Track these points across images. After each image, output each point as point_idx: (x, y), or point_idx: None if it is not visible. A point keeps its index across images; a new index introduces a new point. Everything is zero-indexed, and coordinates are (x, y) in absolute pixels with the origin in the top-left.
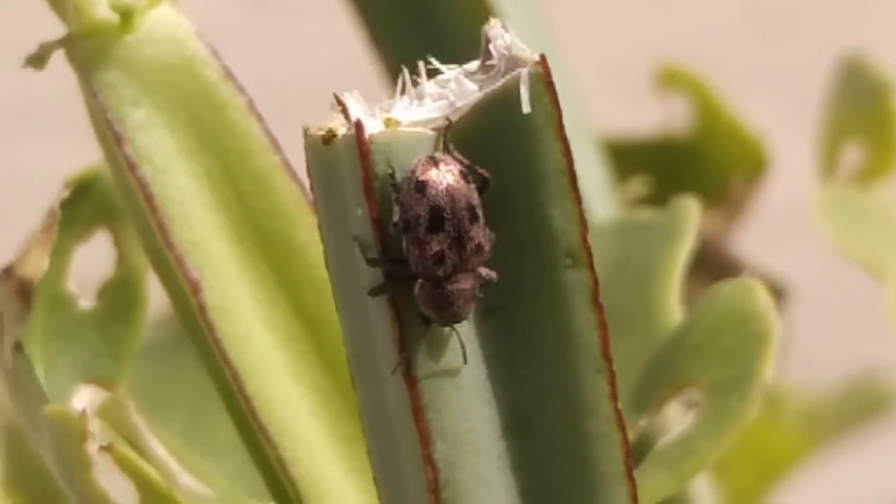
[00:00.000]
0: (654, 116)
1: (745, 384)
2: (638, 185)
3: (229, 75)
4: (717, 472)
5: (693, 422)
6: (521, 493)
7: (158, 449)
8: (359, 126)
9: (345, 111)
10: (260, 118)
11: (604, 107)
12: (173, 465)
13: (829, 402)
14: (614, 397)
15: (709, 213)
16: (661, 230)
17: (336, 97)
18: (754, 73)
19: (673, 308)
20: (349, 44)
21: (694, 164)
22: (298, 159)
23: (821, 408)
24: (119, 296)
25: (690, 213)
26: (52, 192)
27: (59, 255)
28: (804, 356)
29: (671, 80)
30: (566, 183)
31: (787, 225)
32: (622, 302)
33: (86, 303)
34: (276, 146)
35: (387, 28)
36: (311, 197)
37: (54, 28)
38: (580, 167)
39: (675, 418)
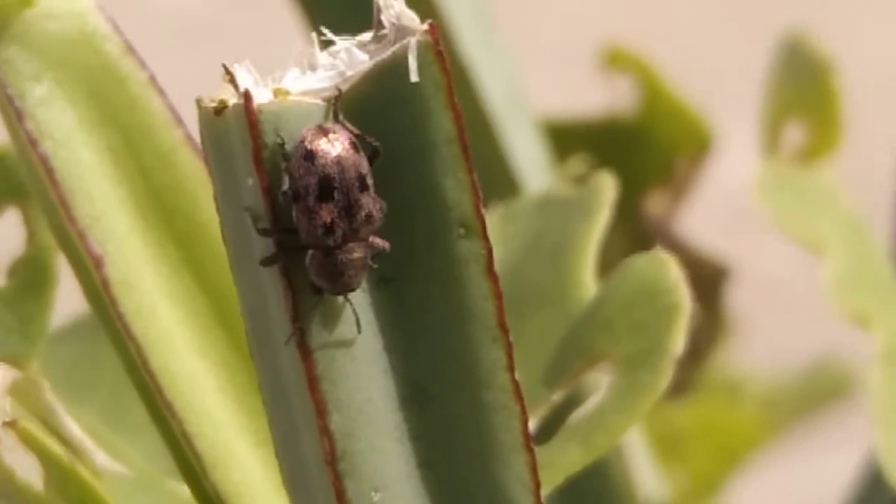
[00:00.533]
0: (599, 98)
1: (656, 357)
2: (577, 164)
3: (130, 50)
4: (675, 457)
5: (604, 395)
6: (420, 465)
7: (73, 427)
8: (247, 96)
9: (233, 81)
10: (162, 93)
11: (549, 89)
12: (88, 443)
13: (787, 387)
14: (511, 368)
15: (654, 193)
16: (578, 206)
17: (225, 67)
18: (700, 54)
19: (587, 283)
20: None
21: (639, 144)
22: None
23: (780, 393)
24: (29, 274)
25: (606, 189)
26: None
27: None
28: (762, 342)
29: (616, 61)
30: (457, 151)
31: (741, 209)
32: (538, 277)
33: None
34: (179, 121)
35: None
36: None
37: None
38: (517, 147)
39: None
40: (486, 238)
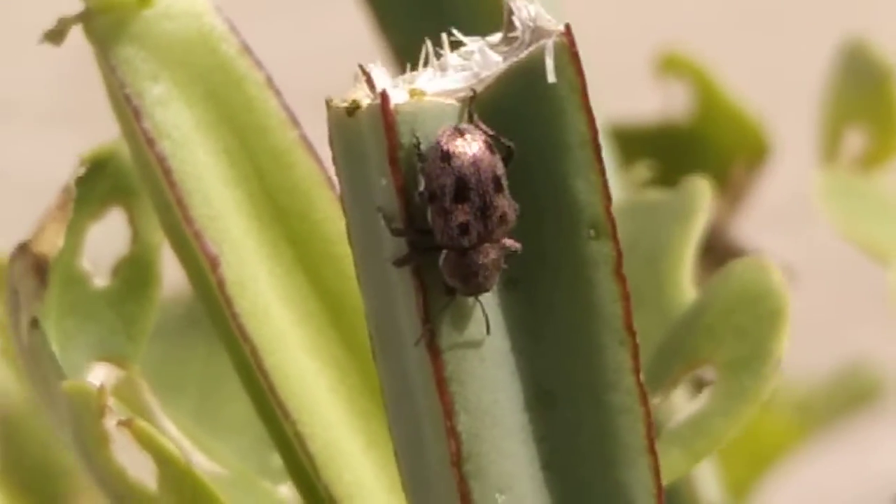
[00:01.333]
0: (654, 103)
1: (759, 362)
2: (643, 170)
3: (247, 50)
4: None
5: (707, 400)
6: (543, 466)
7: (171, 428)
8: (384, 96)
9: (370, 81)
10: (278, 93)
11: (604, 93)
12: (186, 443)
13: (819, 392)
14: (637, 370)
15: (711, 199)
16: (672, 210)
17: (361, 68)
18: (755, 60)
19: (685, 287)
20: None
21: (695, 150)
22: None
23: (811, 398)
24: (133, 274)
25: (702, 193)
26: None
27: (74, 233)
28: (795, 346)
29: (672, 66)
30: (590, 154)
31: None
32: (634, 281)
33: (100, 281)
34: (295, 121)
35: (395, 11)
36: (329, 172)
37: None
38: None
39: (686, 398)
40: (616, 240)
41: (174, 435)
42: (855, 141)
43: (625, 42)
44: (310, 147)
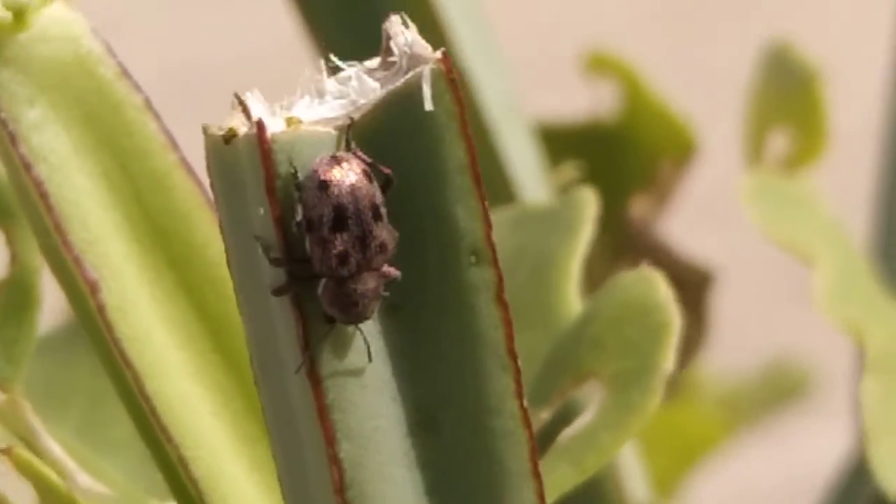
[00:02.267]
0: (581, 102)
1: (647, 376)
2: (570, 170)
3: (125, 73)
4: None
5: (595, 414)
6: (427, 492)
7: (56, 449)
8: (260, 125)
9: (245, 110)
10: (157, 117)
11: (531, 92)
12: (71, 464)
13: (745, 387)
14: (520, 395)
15: (636, 197)
16: (558, 221)
17: (237, 96)
18: (678, 61)
19: (572, 299)
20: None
21: (622, 148)
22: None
23: (737, 393)
24: (13, 296)
25: (588, 203)
26: None
27: None
28: (721, 342)
29: (599, 65)
30: (469, 181)
31: (702, 209)
32: (520, 294)
33: None
34: (174, 144)
35: (323, 21)
36: (209, 195)
37: None
38: (513, 152)
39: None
40: (496, 266)
41: (59, 456)
42: (779, 142)
43: (551, 41)
44: (190, 170)
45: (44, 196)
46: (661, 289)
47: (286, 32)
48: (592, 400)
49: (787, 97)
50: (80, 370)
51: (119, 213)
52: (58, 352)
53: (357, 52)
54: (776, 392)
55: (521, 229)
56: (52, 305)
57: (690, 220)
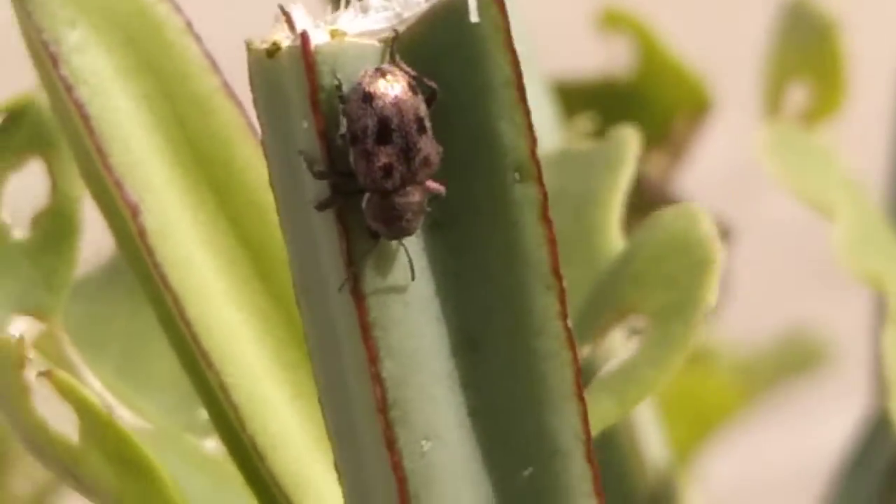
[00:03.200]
0: (596, 59)
1: (688, 311)
2: (585, 122)
3: None
4: None
5: (637, 349)
6: (470, 413)
7: (94, 382)
8: (304, 37)
9: (290, 22)
10: (198, 39)
11: (547, 49)
12: (109, 398)
13: (761, 357)
14: (564, 315)
15: (651, 154)
16: (600, 160)
17: (281, 8)
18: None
19: (614, 236)
20: None
21: (636, 105)
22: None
23: (754, 363)
24: (53, 225)
25: (629, 142)
26: None
27: None
28: (739, 310)
29: (613, 22)
30: (514, 95)
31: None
32: (563, 231)
33: (19, 233)
34: (216, 67)
35: None
36: (251, 120)
37: None
38: (531, 104)
39: (618, 346)
40: (541, 183)
41: (97, 389)
42: (797, 96)
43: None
44: (231, 94)
45: (85, 118)
46: (702, 224)
47: None
48: (635, 334)
49: (805, 49)
50: (118, 310)
51: (160, 135)
52: (96, 292)
53: None
54: (792, 363)
55: (563, 170)
56: (90, 246)
57: (710, 186)
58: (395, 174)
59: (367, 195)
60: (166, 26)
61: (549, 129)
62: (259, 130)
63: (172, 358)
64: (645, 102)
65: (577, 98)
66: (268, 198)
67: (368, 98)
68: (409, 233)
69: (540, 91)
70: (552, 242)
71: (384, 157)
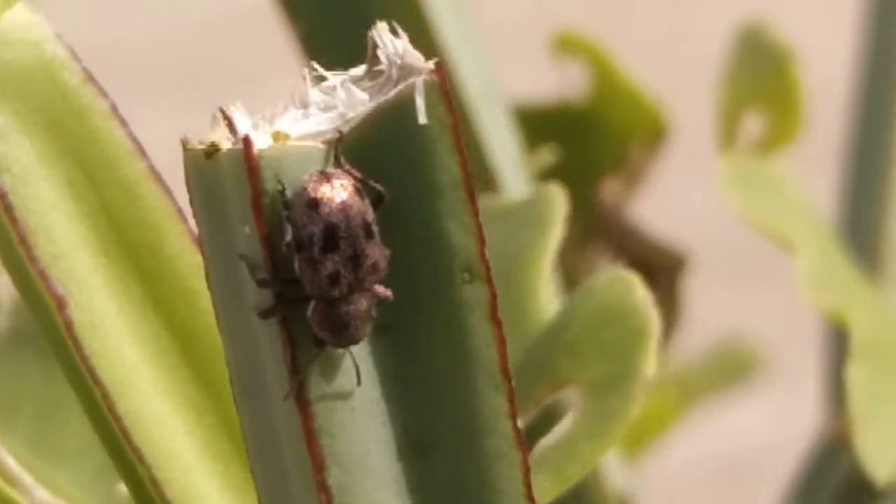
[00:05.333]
0: (548, 83)
1: (627, 382)
2: (546, 155)
3: (90, 78)
4: None
5: (574, 422)
6: None
7: (11, 463)
8: (247, 141)
9: (230, 125)
10: (124, 123)
11: (500, 74)
12: (28, 479)
13: (696, 367)
14: (513, 415)
15: (607, 180)
16: (526, 219)
17: (221, 110)
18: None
19: (545, 301)
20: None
21: (592, 130)
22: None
23: (688, 374)
24: None
25: (557, 201)
26: None
27: None
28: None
29: (568, 46)
30: (463, 195)
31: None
32: None
33: None
34: (143, 152)
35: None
36: (179, 205)
37: None
38: (493, 140)
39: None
40: (490, 283)
41: (15, 470)
42: (752, 125)
43: (521, 22)
44: (159, 179)
45: (8, 208)
46: (638, 291)
47: (206, 9)
48: (570, 407)
49: (760, 79)
50: (27, 378)
51: (85, 224)
52: (3, 359)
53: (343, 53)
54: (726, 372)
55: (488, 228)
56: None
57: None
58: (343, 282)
59: (312, 303)
60: (90, 110)
61: (513, 163)
62: (190, 218)
63: (84, 431)
64: (600, 127)
65: (531, 122)
66: (197, 285)
67: (314, 204)
68: (356, 341)
69: (503, 124)
70: (502, 342)
71: (331, 264)
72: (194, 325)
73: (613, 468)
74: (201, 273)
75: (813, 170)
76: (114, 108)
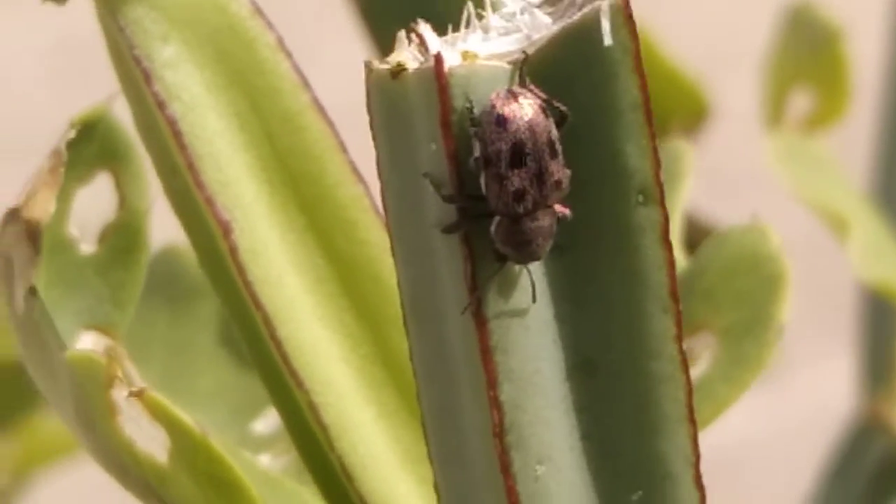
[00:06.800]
0: None
1: (761, 328)
2: None
3: (258, 11)
4: None
5: (709, 367)
6: (583, 436)
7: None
8: (438, 59)
9: (422, 43)
10: (289, 55)
11: None
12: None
13: None
14: (679, 338)
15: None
16: None
17: (413, 29)
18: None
19: (677, 251)
20: None
21: None
22: None
23: None
24: (120, 240)
25: (686, 155)
26: None
27: (62, 198)
28: None
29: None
30: (642, 118)
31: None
32: None
33: (87, 247)
34: (306, 84)
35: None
36: (341, 137)
37: None
38: None
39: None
40: (663, 206)
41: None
42: (797, 103)
43: None
44: (321, 110)
45: (178, 135)
46: (772, 239)
47: None
48: (706, 351)
49: (808, 57)
50: (157, 322)
51: (251, 153)
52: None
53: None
54: None
55: None
56: None
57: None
58: (528, 198)
59: (496, 219)
60: (258, 42)
61: None
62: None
63: (215, 372)
64: None
65: None
66: (356, 215)
67: (502, 121)
68: (538, 257)
69: None
70: (672, 265)
71: (517, 181)
72: (353, 254)
73: None
74: (361, 204)
75: (848, 148)
76: (280, 41)
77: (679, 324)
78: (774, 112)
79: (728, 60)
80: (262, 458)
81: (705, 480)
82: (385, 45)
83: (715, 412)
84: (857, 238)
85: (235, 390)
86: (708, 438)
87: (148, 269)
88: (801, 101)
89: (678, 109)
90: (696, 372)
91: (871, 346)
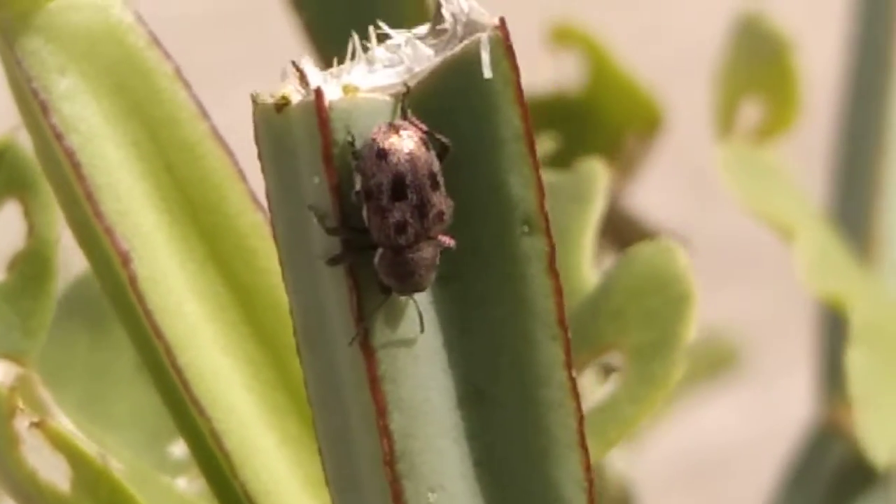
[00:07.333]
0: (544, 74)
1: (668, 348)
2: (547, 142)
3: (155, 42)
4: None
5: (616, 387)
6: (476, 463)
7: (68, 424)
8: (318, 93)
9: (303, 77)
10: (187, 85)
11: None
12: (84, 440)
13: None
14: (569, 365)
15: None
16: (568, 193)
17: (294, 63)
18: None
19: (587, 272)
20: None
21: (587, 121)
22: None
23: None
24: (30, 268)
25: (599, 175)
26: None
27: None
28: None
29: (563, 37)
30: (524, 148)
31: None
32: None
33: None
34: (205, 113)
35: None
36: (239, 165)
37: None
38: None
39: (590, 384)
40: (549, 235)
41: (73, 431)
42: (749, 113)
43: (517, 13)
44: (220, 139)
45: (76, 166)
46: (680, 259)
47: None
48: (613, 372)
49: (758, 67)
50: (77, 346)
51: (149, 182)
52: (54, 326)
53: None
54: (706, 366)
55: None
56: None
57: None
58: (409, 230)
59: (379, 251)
60: (155, 72)
61: None
62: (248, 178)
63: (134, 395)
64: (596, 118)
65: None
66: (257, 244)
67: (383, 154)
68: (422, 288)
69: None
70: (559, 293)
71: (398, 213)
72: (253, 282)
73: (613, 454)
74: (261, 231)
75: (803, 158)
76: (177, 71)
77: (568, 351)
78: (725, 121)
79: (683, 69)
80: (180, 481)
81: (669, 486)
82: (328, 58)
83: (622, 432)
84: (803, 249)
85: (154, 414)
86: (669, 445)
87: (68, 293)
88: (751, 111)
89: (632, 119)
90: (603, 392)
91: (829, 353)
